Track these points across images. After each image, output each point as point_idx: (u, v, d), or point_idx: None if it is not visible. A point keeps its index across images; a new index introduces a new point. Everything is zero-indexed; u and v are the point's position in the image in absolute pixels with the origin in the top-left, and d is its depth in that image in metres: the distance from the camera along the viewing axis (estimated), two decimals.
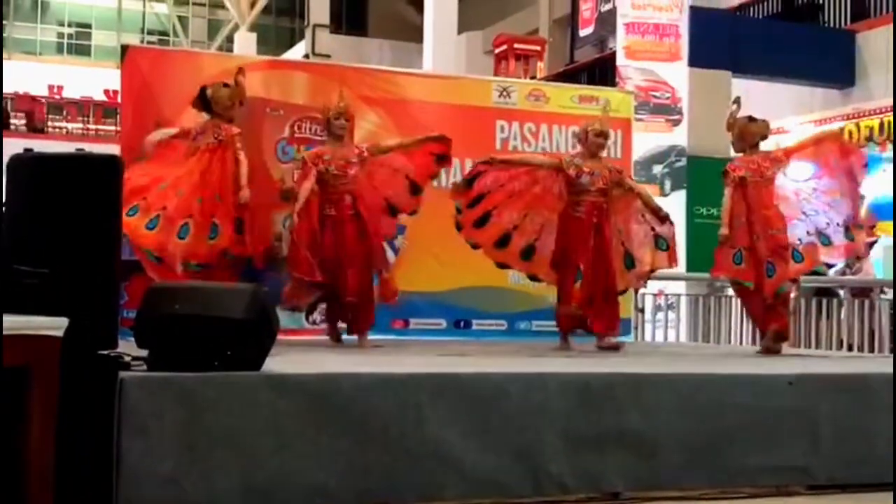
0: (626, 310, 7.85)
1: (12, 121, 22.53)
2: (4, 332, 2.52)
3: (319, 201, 6.05)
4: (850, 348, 8.39)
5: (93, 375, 3.45)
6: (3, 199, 3.56)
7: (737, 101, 6.48)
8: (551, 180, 6.21)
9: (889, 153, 12.46)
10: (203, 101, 6.21)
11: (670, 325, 9.70)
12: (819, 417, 4.40)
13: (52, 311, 3.02)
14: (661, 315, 9.72)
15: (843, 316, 8.66)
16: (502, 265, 6.52)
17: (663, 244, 6.22)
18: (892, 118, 12.57)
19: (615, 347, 6.13)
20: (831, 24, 14.36)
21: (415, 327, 7.12)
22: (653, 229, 6.21)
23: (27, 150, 3.68)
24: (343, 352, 5.65)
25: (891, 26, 11.68)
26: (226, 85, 6.26)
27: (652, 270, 6.36)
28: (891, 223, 11.35)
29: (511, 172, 6.27)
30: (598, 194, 6.09)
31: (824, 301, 8.89)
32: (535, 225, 6.26)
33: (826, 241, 6.22)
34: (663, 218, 6.26)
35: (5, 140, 3.85)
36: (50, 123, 22.97)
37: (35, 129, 21.90)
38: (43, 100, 23.79)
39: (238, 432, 3.63)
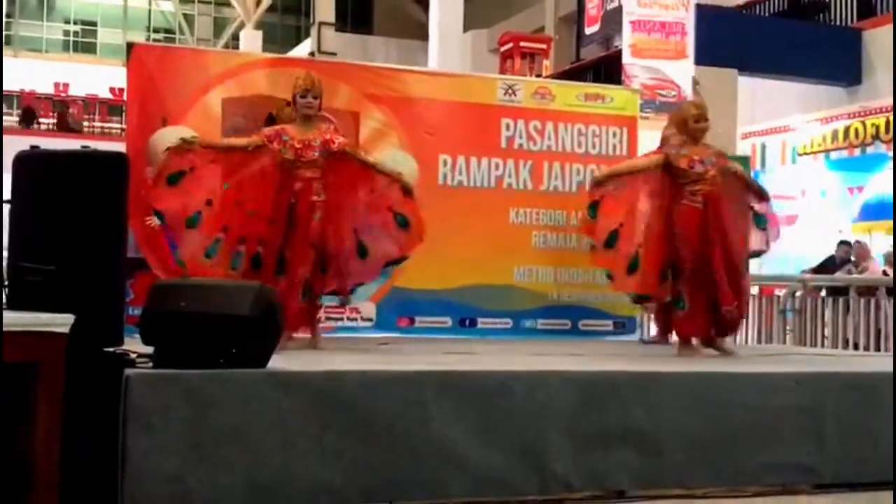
0: (633, 308, 7.85)
1: (42, 120, 22.63)
2: (13, 329, 2.52)
3: (275, 185, 5.51)
4: (855, 347, 8.38)
5: (98, 372, 3.47)
6: (9, 196, 3.57)
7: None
8: (655, 180, 5.82)
9: None
10: (270, 123, 6.11)
11: None
12: (825, 416, 4.39)
13: (58, 308, 3.02)
14: None
15: (849, 315, 8.65)
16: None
17: (762, 222, 5.96)
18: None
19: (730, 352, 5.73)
20: (838, 22, 14.34)
21: (420, 325, 7.12)
22: (751, 207, 5.94)
23: (33, 147, 3.68)
24: (348, 349, 5.64)
25: None
26: (289, 104, 6.01)
27: (754, 254, 6.09)
28: (891, 222, 11.33)
29: (628, 194, 5.87)
30: (710, 183, 5.72)
31: (830, 300, 8.88)
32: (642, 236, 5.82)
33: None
34: (764, 196, 6.00)
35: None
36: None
37: (69, 129, 21.93)
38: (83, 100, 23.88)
39: (243, 429, 3.63)
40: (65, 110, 22.88)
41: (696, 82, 6.10)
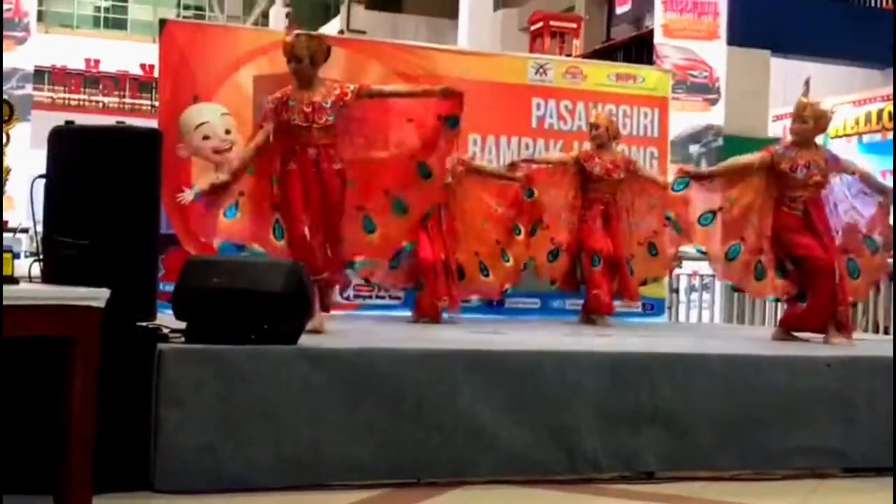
0: (660, 290, 7.84)
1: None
2: (50, 303, 2.55)
3: (281, 154, 5.09)
4: (885, 331, 8.32)
5: (132, 347, 3.49)
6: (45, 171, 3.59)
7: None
8: (758, 178, 5.62)
9: None
10: None
11: (704, 306, 9.65)
12: (855, 400, 4.37)
13: (92, 282, 3.04)
14: (695, 296, 9.67)
15: (880, 299, 8.58)
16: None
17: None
18: None
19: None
20: (873, 4, 14.17)
21: None
22: (879, 204, 5.71)
23: (68, 122, 3.69)
24: (378, 326, 5.66)
25: None
26: None
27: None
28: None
29: (725, 184, 5.71)
30: (814, 189, 5.51)
31: None
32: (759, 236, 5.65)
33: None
34: (884, 190, 5.76)
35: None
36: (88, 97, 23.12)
37: None
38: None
39: (274, 405, 3.66)
40: None
41: (806, 83, 5.61)
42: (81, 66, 24.44)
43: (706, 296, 9.63)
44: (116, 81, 24.07)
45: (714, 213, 5.72)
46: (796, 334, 5.66)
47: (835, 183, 5.67)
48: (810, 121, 5.53)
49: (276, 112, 5.06)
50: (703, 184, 5.79)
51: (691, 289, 9.60)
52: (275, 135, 5.09)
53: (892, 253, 5.96)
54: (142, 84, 23.43)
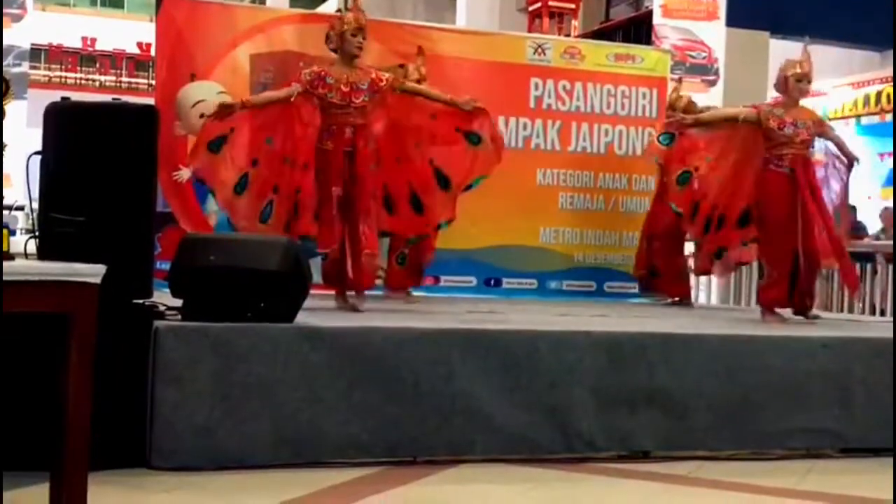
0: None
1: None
2: (46, 279, 2.54)
3: (319, 133, 5.14)
4: (882, 313, 8.32)
5: (128, 324, 3.49)
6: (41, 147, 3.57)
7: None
8: (742, 135, 5.63)
9: None
10: None
11: (701, 288, 9.64)
12: (852, 381, 4.38)
13: (88, 259, 3.03)
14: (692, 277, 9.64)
15: (877, 281, 8.59)
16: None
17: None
18: None
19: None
20: None
21: (445, 284, 7.13)
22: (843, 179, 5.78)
23: (64, 99, 3.67)
24: (375, 306, 5.65)
25: None
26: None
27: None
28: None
29: (708, 140, 5.78)
30: (801, 146, 5.51)
31: (858, 266, 8.79)
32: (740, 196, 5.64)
33: None
34: (851, 161, 5.82)
35: None
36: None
37: None
38: None
39: (271, 383, 3.66)
40: None
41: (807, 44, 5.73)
42: (78, 44, 24.31)
43: (703, 277, 9.61)
44: (113, 60, 23.96)
45: (690, 173, 5.83)
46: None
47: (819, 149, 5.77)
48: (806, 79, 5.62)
49: (312, 85, 5.11)
50: (688, 135, 5.90)
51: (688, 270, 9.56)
52: (307, 112, 5.13)
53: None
54: (139, 63, 23.31)
